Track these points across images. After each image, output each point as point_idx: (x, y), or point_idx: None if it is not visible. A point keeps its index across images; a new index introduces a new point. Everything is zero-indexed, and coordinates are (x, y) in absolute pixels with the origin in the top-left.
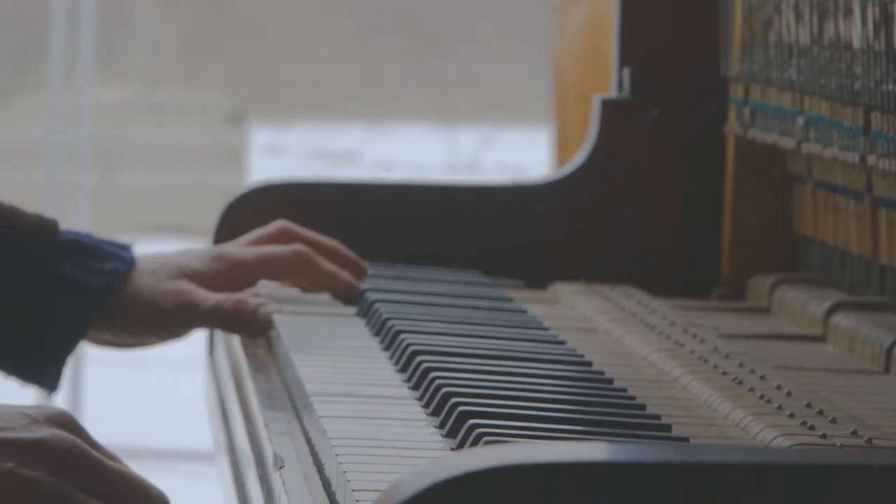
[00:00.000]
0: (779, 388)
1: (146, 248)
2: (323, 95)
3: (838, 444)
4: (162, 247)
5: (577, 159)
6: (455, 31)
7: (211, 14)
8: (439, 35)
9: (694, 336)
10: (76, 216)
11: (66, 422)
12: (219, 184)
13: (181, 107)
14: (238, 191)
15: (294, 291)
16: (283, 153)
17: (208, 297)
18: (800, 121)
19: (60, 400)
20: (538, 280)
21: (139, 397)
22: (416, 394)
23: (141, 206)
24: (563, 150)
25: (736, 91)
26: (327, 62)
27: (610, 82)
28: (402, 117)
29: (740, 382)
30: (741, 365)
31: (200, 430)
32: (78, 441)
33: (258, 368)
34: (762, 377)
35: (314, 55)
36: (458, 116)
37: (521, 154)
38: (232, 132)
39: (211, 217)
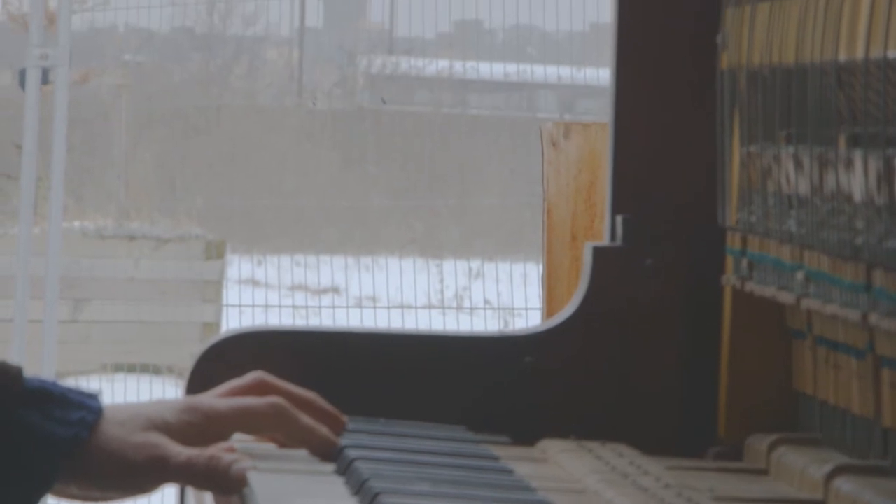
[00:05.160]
0: None
1: (119, 388)
2: (305, 226)
3: None
4: (135, 386)
5: (568, 310)
6: (444, 162)
7: (188, 141)
8: (427, 165)
9: (688, 500)
10: (44, 352)
11: None
12: (196, 319)
13: (157, 238)
14: (211, 339)
15: (270, 446)
16: (263, 286)
17: (180, 451)
18: (799, 275)
19: None
20: (526, 436)
21: None
22: None
23: (113, 343)
24: (552, 289)
25: (733, 242)
26: (309, 191)
27: (603, 220)
28: (386, 249)
29: None
30: None
31: None
32: None
33: None
34: None
35: (296, 184)
36: (445, 249)
37: (511, 290)
38: (210, 265)
39: (187, 355)
